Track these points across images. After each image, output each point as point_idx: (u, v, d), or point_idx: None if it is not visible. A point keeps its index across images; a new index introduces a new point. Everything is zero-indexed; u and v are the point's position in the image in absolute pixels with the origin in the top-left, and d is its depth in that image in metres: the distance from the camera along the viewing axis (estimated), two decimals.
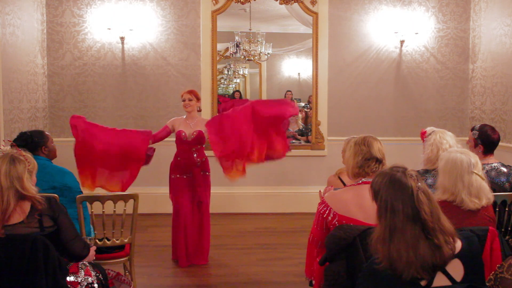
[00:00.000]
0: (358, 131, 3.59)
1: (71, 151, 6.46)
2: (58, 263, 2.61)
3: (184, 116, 4.88)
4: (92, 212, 3.62)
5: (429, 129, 3.69)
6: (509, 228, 3.34)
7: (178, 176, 4.79)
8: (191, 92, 4.84)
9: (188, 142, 4.76)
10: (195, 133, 4.76)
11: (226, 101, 6.73)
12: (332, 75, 6.87)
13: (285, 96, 7.87)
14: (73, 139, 6.67)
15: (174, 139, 4.87)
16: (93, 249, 3.00)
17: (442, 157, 2.86)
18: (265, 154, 4.58)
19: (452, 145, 3.48)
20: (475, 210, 2.70)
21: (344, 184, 3.70)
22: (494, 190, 3.03)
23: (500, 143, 3.78)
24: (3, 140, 4.61)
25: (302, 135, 7.24)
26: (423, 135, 3.72)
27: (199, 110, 5.02)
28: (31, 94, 6.12)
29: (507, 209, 3.32)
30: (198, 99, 4.87)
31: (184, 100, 4.82)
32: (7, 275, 2.53)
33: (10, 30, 5.58)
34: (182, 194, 4.76)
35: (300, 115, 7.43)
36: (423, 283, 1.92)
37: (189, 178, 4.79)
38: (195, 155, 4.78)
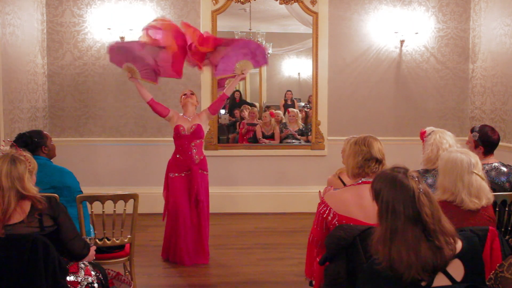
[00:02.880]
0: (358, 131, 3.58)
1: (71, 151, 6.51)
2: (58, 263, 2.61)
3: (181, 114, 4.91)
4: (92, 211, 3.62)
5: (428, 129, 3.69)
6: (509, 228, 3.34)
7: (176, 174, 4.80)
8: (191, 90, 5.01)
9: (187, 136, 4.77)
10: (194, 126, 4.78)
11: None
12: (332, 75, 6.87)
13: (285, 96, 7.89)
14: (73, 139, 6.71)
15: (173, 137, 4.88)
16: (93, 249, 3.00)
17: (442, 157, 2.86)
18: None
19: (452, 145, 3.48)
20: (475, 210, 2.70)
21: (344, 184, 3.70)
22: (494, 190, 3.03)
23: (500, 143, 3.78)
24: (3, 140, 4.61)
25: (302, 135, 7.24)
26: (422, 135, 3.72)
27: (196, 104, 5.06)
28: (31, 94, 6.12)
29: (507, 209, 3.32)
30: (197, 100, 5.00)
31: (185, 94, 4.89)
32: (7, 275, 2.53)
33: (10, 30, 5.58)
34: (180, 193, 4.76)
35: (300, 115, 7.43)
36: (423, 283, 1.92)
37: (187, 176, 4.79)
38: (194, 151, 4.79)
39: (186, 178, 4.79)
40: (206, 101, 6.65)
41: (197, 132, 4.79)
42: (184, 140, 4.78)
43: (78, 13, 6.60)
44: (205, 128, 4.93)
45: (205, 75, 6.73)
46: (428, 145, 3.58)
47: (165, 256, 4.91)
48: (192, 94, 4.93)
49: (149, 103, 4.84)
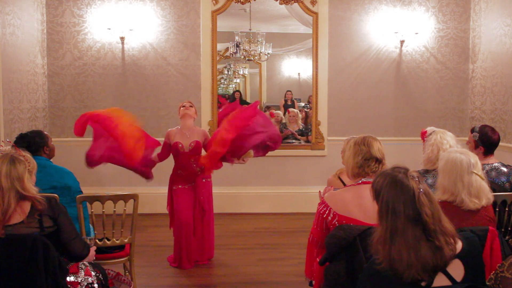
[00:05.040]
0: (358, 131, 3.58)
1: (71, 151, 6.50)
2: (58, 263, 2.61)
3: (179, 127, 4.81)
4: (92, 212, 3.62)
5: (429, 129, 3.69)
6: (509, 228, 3.34)
7: (180, 186, 4.75)
8: (189, 101, 4.89)
9: (186, 154, 4.69)
10: (193, 144, 4.69)
11: (225, 103, 6.63)
12: (332, 75, 6.87)
13: (285, 96, 7.89)
14: (73, 139, 6.70)
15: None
16: (93, 249, 3.00)
17: (442, 157, 2.86)
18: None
19: (453, 146, 3.48)
20: (475, 210, 2.70)
21: (344, 184, 3.70)
22: (494, 190, 3.03)
23: (500, 143, 3.78)
24: (2, 141, 4.61)
25: (302, 135, 7.24)
26: (423, 135, 3.72)
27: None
28: (31, 94, 6.12)
29: (507, 209, 3.32)
30: (196, 111, 4.86)
31: (184, 106, 4.77)
32: (7, 275, 2.53)
33: (10, 30, 5.58)
34: (184, 205, 4.72)
35: (300, 115, 7.43)
36: (423, 283, 1.92)
37: (191, 187, 4.77)
38: (194, 165, 4.73)
39: (190, 189, 4.76)
40: (206, 102, 6.66)
41: (196, 149, 4.71)
42: (183, 157, 4.70)
43: (78, 13, 6.60)
44: (202, 145, 4.82)
45: (205, 74, 6.74)
46: (428, 145, 3.58)
47: (175, 265, 4.80)
48: (191, 106, 4.79)
49: (161, 160, 4.77)
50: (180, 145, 4.68)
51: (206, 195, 4.82)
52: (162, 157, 4.78)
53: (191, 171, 4.73)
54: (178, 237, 4.73)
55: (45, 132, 3.89)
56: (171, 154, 4.80)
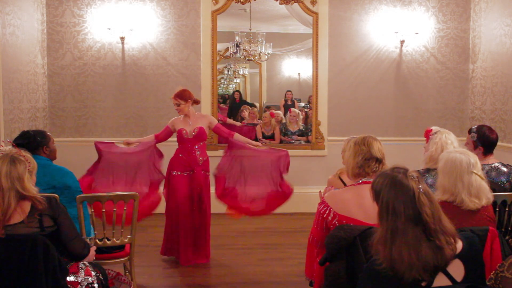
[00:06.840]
0: (358, 131, 3.58)
1: (71, 151, 6.51)
2: (58, 263, 2.61)
3: (181, 116, 4.89)
4: (92, 212, 3.61)
5: (434, 128, 3.69)
6: (509, 228, 3.34)
7: (179, 173, 4.80)
8: (175, 97, 4.75)
9: (190, 140, 4.78)
10: (196, 129, 4.78)
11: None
12: (332, 75, 6.86)
13: (285, 96, 7.89)
14: (73, 139, 6.71)
15: (175, 138, 4.89)
16: (93, 249, 3.00)
17: (441, 158, 2.86)
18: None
19: (456, 147, 3.47)
20: (475, 210, 2.70)
21: (345, 184, 3.70)
22: (494, 190, 3.03)
23: (500, 143, 3.78)
24: (2, 141, 4.61)
25: (302, 135, 7.24)
26: (427, 133, 3.71)
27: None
28: (31, 94, 6.12)
29: (507, 209, 3.32)
30: (185, 100, 4.75)
31: (175, 104, 4.82)
32: (7, 275, 2.53)
33: (10, 30, 5.58)
34: (181, 192, 4.76)
35: (301, 115, 7.43)
36: (423, 283, 1.92)
37: (189, 176, 4.79)
38: (198, 152, 4.80)
39: (188, 178, 4.79)
40: (206, 102, 6.66)
41: (200, 135, 4.80)
42: (188, 143, 4.79)
43: (78, 13, 6.60)
44: (206, 131, 4.90)
45: (205, 74, 6.73)
46: (432, 144, 3.58)
47: (163, 253, 4.93)
48: (178, 105, 4.74)
49: (157, 142, 4.93)
50: (184, 131, 4.78)
51: (205, 188, 4.84)
52: (158, 136, 4.93)
53: (194, 158, 4.78)
54: (170, 225, 4.82)
55: (48, 133, 3.89)
56: (167, 140, 4.99)
